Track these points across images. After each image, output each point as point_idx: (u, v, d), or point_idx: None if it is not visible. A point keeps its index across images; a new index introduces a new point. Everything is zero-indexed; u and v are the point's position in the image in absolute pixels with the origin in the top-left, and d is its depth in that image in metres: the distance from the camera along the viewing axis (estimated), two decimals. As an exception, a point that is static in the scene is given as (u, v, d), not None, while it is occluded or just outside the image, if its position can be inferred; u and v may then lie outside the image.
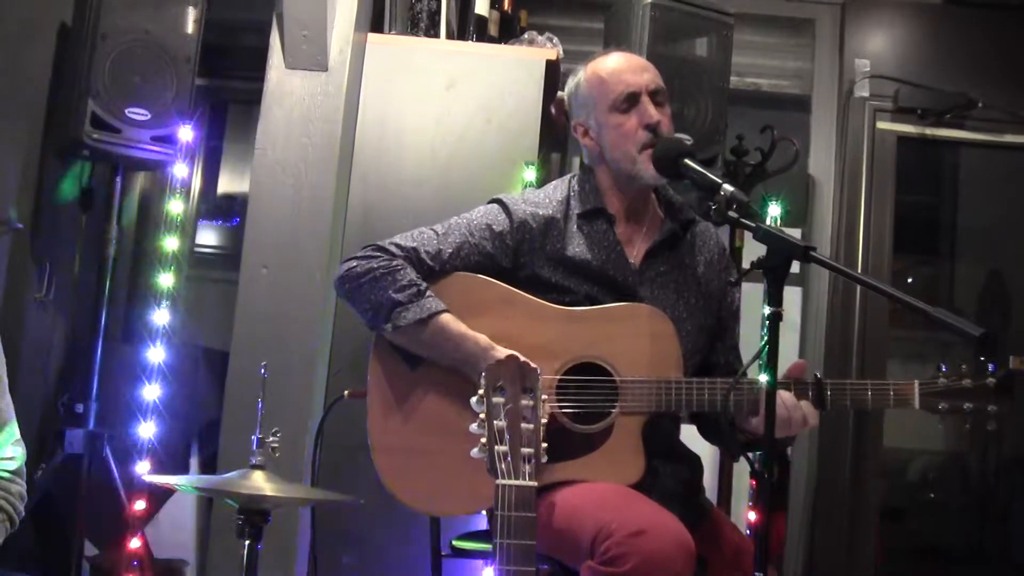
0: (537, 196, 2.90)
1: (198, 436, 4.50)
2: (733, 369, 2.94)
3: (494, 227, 2.81)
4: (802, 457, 5.14)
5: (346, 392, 3.06)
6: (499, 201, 2.87)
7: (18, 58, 3.72)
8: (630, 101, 2.80)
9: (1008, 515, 5.42)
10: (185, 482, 2.70)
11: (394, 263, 2.73)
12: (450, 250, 2.78)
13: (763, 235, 2.30)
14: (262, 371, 2.58)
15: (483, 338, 2.68)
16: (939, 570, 5.33)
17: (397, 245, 2.78)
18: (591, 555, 2.41)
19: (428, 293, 2.71)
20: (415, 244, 2.78)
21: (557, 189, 2.93)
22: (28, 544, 2.82)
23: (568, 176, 2.99)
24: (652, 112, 2.79)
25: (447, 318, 2.70)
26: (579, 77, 2.93)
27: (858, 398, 2.65)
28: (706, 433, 2.98)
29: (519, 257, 2.80)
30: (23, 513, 2.54)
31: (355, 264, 2.77)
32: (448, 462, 2.66)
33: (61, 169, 3.99)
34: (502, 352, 2.60)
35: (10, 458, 2.54)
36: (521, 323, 2.73)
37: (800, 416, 2.58)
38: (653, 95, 2.81)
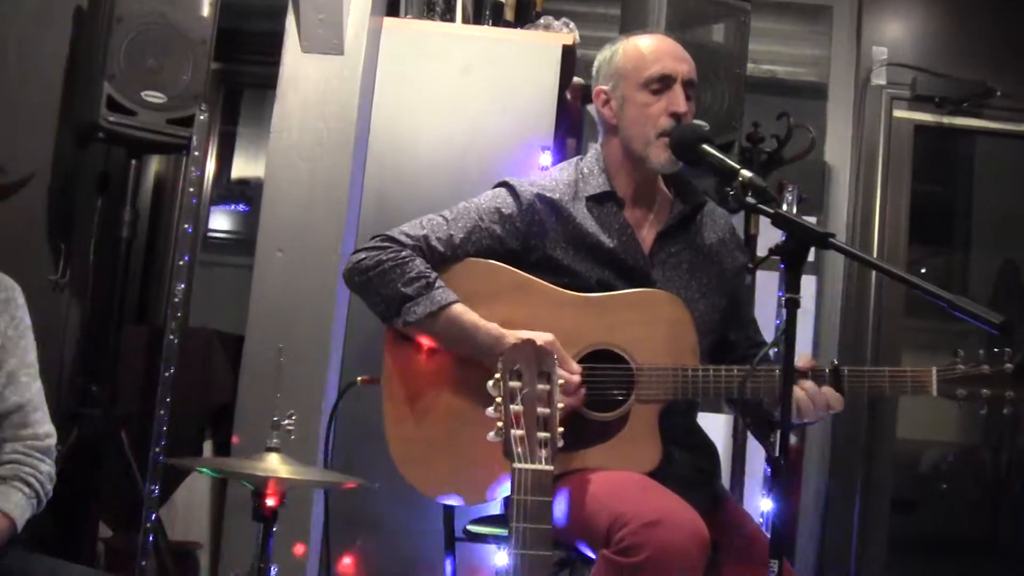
0: (544, 179, 2.86)
1: (212, 419, 4.50)
2: (754, 342, 2.93)
3: (503, 210, 2.78)
4: (815, 447, 5.14)
5: (359, 379, 3.06)
6: (506, 184, 2.84)
7: (34, 41, 3.72)
8: (664, 83, 2.76)
9: (1021, 506, 5.42)
10: (202, 464, 2.71)
11: (403, 254, 2.70)
12: (461, 235, 2.75)
13: (781, 221, 2.29)
14: (279, 355, 2.59)
15: (496, 327, 2.66)
16: (951, 561, 5.33)
17: (406, 234, 2.74)
18: (606, 544, 2.40)
19: (438, 284, 2.68)
20: (425, 231, 2.75)
21: (564, 171, 2.89)
22: (43, 525, 2.83)
23: (575, 159, 2.95)
24: (682, 101, 2.75)
25: (459, 308, 2.67)
26: (617, 46, 2.87)
27: (876, 385, 2.62)
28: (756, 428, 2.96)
29: (529, 239, 2.77)
30: (51, 494, 2.55)
31: (363, 256, 2.73)
32: (464, 451, 2.66)
33: (77, 152, 3.99)
34: (516, 339, 2.59)
35: (42, 438, 2.55)
36: (536, 310, 2.71)
37: (823, 401, 2.57)
38: (686, 86, 2.79)
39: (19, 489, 2.47)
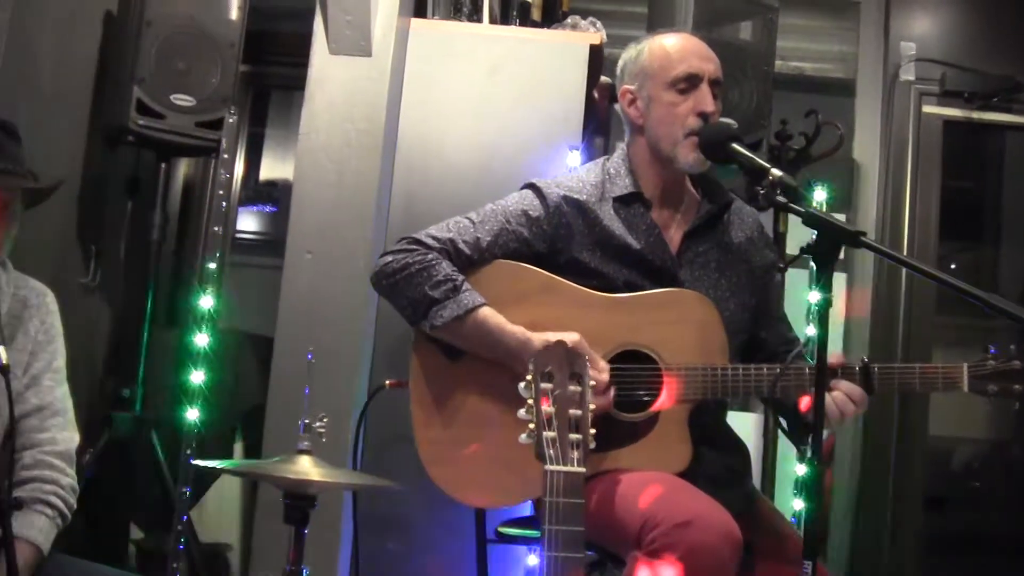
0: (570, 180, 2.85)
1: (242, 421, 4.52)
2: (785, 339, 2.91)
3: (530, 213, 2.77)
4: (847, 446, 5.12)
5: (387, 382, 3.06)
6: (532, 186, 2.83)
7: (65, 46, 3.74)
8: (690, 83, 2.74)
9: (1054, 504, 5.38)
10: (233, 466, 2.71)
11: (429, 257, 2.70)
12: (488, 238, 2.74)
13: (812, 220, 2.27)
14: (309, 356, 2.59)
15: (522, 330, 2.64)
16: (984, 560, 5.29)
17: (433, 237, 2.74)
18: (637, 545, 2.39)
19: (465, 287, 2.68)
20: (452, 235, 2.74)
21: (591, 172, 2.88)
22: (75, 527, 2.85)
23: (601, 159, 2.93)
24: (710, 101, 2.74)
25: (486, 312, 2.66)
26: (642, 46, 2.85)
27: (906, 382, 2.62)
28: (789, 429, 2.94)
29: (556, 242, 2.76)
30: (75, 505, 2.56)
31: (391, 259, 2.74)
32: (492, 453, 2.65)
33: (107, 156, 4.01)
34: (542, 342, 2.56)
35: (59, 444, 2.55)
36: (563, 311, 2.70)
37: (851, 410, 2.56)
38: (713, 84, 2.77)
39: (42, 512, 2.46)
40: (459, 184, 3.89)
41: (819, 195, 4.29)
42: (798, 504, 4.12)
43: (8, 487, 2.39)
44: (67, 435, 2.59)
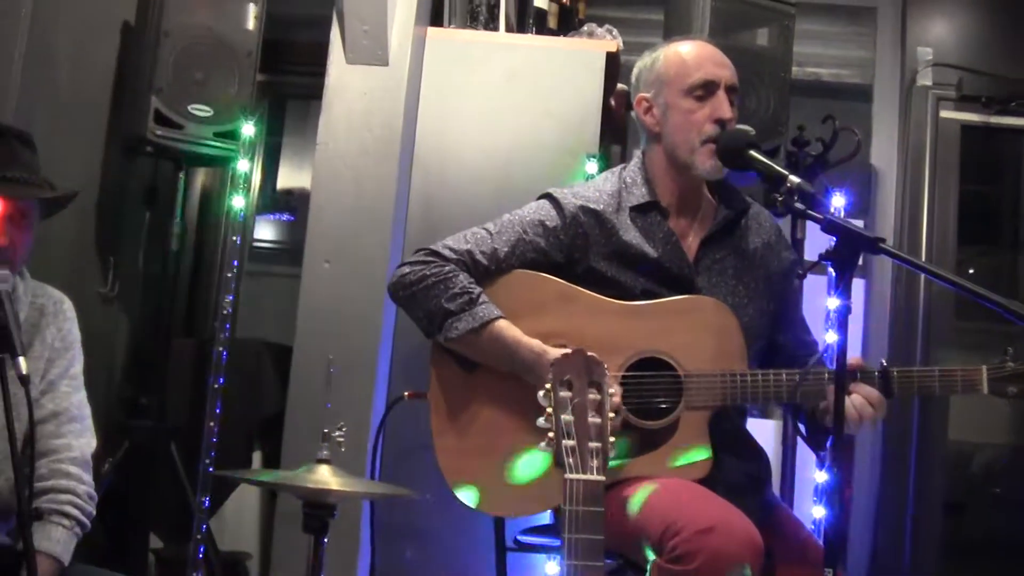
0: (587, 190, 2.86)
1: (260, 430, 4.52)
2: (804, 342, 2.91)
3: (547, 223, 2.78)
4: (866, 451, 5.09)
5: (406, 393, 3.06)
6: (549, 196, 2.84)
7: (82, 56, 3.75)
8: (707, 90, 2.75)
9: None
10: (254, 476, 2.72)
11: (447, 269, 2.71)
12: (505, 249, 2.75)
13: (831, 226, 2.27)
14: (330, 367, 2.60)
15: (537, 344, 2.65)
16: (1006, 566, 5.26)
17: (451, 248, 2.75)
18: (658, 552, 2.39)
19: (481, 300, 2.69)
20: (469, 246, 2.75)
21: (607, 181, 2.89)
22: (94, 536, 2.86)
23: (618, 168, 2.94)
24: (727, 107, 2.74)
25: (501, 325, 2.67)
26: (657, 53, 2.86)
27: (925, 385, 2.62)
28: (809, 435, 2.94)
29: (573, 252, 2.77)
30: (94, 513, 2.56)
31: (408, 270, 2.75)
32: (510, 463, 2.66)
33: (125, 165, 4.03)
34: (557, 356, 2.58)
35: (74, 449, 2.55)
36: (581, 319, 2.70)
37: (871, 414, 2.55)
38: (729, 91, 2.77)
39: (59, 524, 2.47)
40: (476, 192, 3.89)
41: (837, 201, 4.28)
42: (818, 511, 4.10)
43: (28, 496, 2.40)
44: (84, 441, 2.60)
